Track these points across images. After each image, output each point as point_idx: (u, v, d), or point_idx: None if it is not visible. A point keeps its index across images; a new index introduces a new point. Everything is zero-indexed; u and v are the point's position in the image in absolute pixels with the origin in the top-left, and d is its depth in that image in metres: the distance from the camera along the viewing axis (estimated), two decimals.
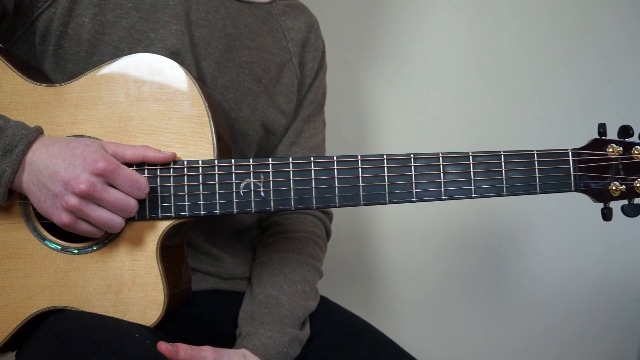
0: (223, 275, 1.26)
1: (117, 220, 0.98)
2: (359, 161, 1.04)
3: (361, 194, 1.04)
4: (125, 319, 1.02)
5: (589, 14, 1.99)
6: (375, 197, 1.04)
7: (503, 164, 1.05)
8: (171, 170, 1.02)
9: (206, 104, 1.04)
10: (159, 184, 1.02)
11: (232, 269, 1.27)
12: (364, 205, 1.04)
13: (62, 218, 0.96)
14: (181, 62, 1.09)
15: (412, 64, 1.94)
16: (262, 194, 1.03)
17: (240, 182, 1.03)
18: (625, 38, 2.01)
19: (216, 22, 1.19)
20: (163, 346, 0.96)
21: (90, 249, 1.03)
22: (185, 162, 1.03)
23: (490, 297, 2.03)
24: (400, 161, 1.04)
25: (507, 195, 1.05)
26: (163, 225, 1.03)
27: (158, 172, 1.02)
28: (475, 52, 1.96)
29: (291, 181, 1.03)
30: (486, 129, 1.97)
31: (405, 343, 1.22)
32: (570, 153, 1.06)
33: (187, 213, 1.02)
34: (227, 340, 1.21)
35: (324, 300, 1.30)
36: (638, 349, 2.12)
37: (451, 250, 1.99)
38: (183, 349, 1.00)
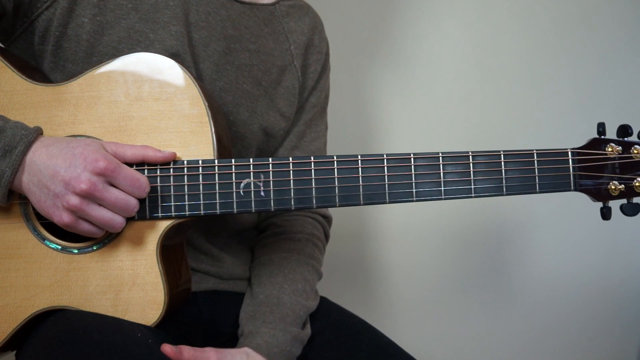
0: (223, 276, 1.26)
1: (118, 220, 0.98)
2: (359, 161, 1.04)
3: (361, 193, 1.04)
4: (125, 318, 1.02)
5: (588, 14, 2.00)
6: (375, 197, 1.04)
7: (503, 163, 1.05)
8: (171, 170, 1.02)
9: (206, 104, 1.04)
10: (159, 184, 1.02)
11: (231, 269, 1.27)
12: (364, 204, 1.05)
13: (63, 218, 0.96)
14: (180, 64, 1.09)
15: (413, 65, 1.94)
16: (262, 193, 1.03)
17: (240, 182, 1.03)
18: (625, 38, 2.01)
19: (216, 23, 1.19)
20: (167, 348, 0.96)
21: (90, 249, 1.03)
22: (185, 162, 1.03)
23: (490, 296, 2.04)
24: (400, 161, 1.04)
25: (507, 194, 1.05)
26: (163, 225, 1.03)
27: (158, 171, 1.02)
28: (476, 52, 1.97)
29: (291, 181, 1.04)
30: (486, 128, 1.97)
31: (404, 343, 1.23)
32: (569, 152, 1.06)
33: (187, 213, 1.02)
34: (227, 340, 1.21)
35: (324, 301, 1.30)
36: (638, 349, 2.13)
37: (451, 250, 1.99)
38: (187, 350, 1.00)
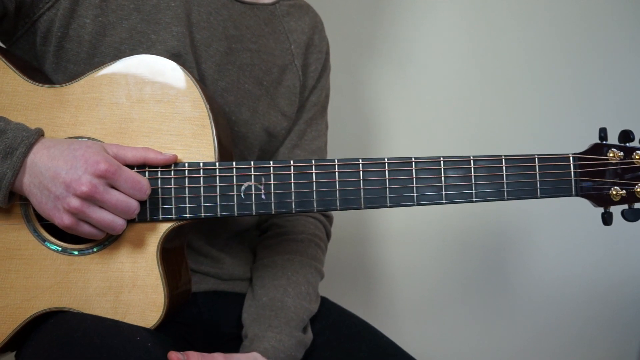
0: (223, 277, 1.26)
1: (118, 222, 0.98)
2: (360, 164, 1.04)
3: (362, 197, 1.04)
4: (125, 320, 1.02)
5: (589, 15, 1.99)
6: (376, 201, 1.04)
7: (504, 168, 1.05)
8: (172, 172, 1.02)
9: (207, 106, 1.04)
10: (159, 186, 1.02)
11: (231, 270, 1.27)
12: (365, 208, 1.05)
13: (63, 220, 0.96)
14: (182, 64, 1.08)
15: (415, 66, 1.94)
16: (263, 196, 1.03)
17: (242, 185, 1.03)
18: (627, 41, 2.01)
19: (217, 24, 1.19)
20: (173, 356, 0.96)
21: (90, 251, 1.03)
22: (186, 165, 1.02)
23: (491, 298, 2.04)
24: (401, 165, 1.04)
25: (508, 199, 1.05)
26: (164, 227, 1.03)
27: (159, 174, 1.02)
28: (478, 55, 1.96)
29: (292, 184, 1.03)
30: (488, 132, 1.97)
31: (405, 344, 1.23)
32: (571, 158, 1.06)
33: (187, 215, 1.02)
34: (227, 340, 1.21)
35: (324, 301, 1.30)
36: (638, 349, 2.13)
37: (451, 252, 1.99)
38: (194, 357, 1.00)
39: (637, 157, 1.05)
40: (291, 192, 1.04)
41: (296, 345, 1.14)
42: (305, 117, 1.34)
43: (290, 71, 1.30)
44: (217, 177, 1.03)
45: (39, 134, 0.99)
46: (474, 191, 1.05)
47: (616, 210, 1.07)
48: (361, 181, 1.04)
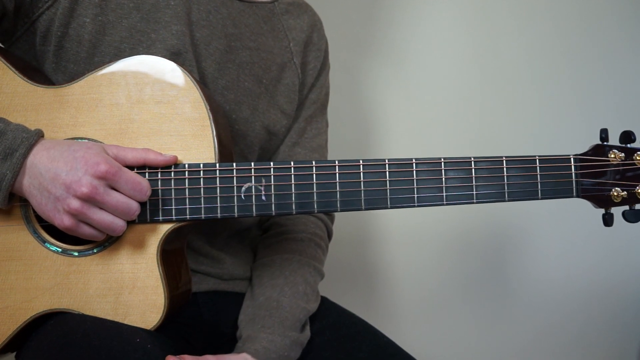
0: (223, 276, 1.26)
1: (119, 223, 0.98)
2: (361, 165, 1.04)
3: (363, 198, 1.03)
4: (125, 322, 1.02)
5: (590, 17, 1.99)
6: (376, 202, 1.04)
7: (505, 169, 1.05)
8: (172, 173, 1.02)
9: (207, 107, 1.04)
10: (160, 187, 1.02)
11: (232, 270, 1.27)
12: (366, 209, 1.04)
13: (63, 221, 0.96)
14: (182, 63, 1.08)
15: (415, 66, 1.94)
16: (263, 197, 1.03)
17: (242, 186, 1.03)
18: (627, 41, 2.01)
19: (217, 22, 1.19)
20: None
21: (90, 252, 1.03)
22: (186, 166, 1.02)
23: (491, 298, 2.04)
24: (402, 166, 1.04)
25: (509, 200, 1.05)
26: (164, 229, 1.03)
27: (159, 175, 1.02)
28: (478, 55, 1.96)
29: (292, 185, 1.03)
30: (488, 132, 1.96)
31: (405, 344, 1.23)
32: (572, 159, 1.06)
33: (188, 216, 1.02)
34: (227, 340, 1.21)
35: (324, 301, 1.30)
36: (638, 349, 2.13)
37: (452, 253, 1.99)
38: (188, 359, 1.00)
39: (638, 158, 1.05)
40: (291, 194, 1.03)
41: (290, 345, 1.14)
42: (304, 115, 1.34)
43: (290, 69, 1.30)
44: (217, 179, 1.02)
45: (39, 135, 0.98)
46: (474, 192, 1.04)
47: (617, 211, 1.07)
48: (361, 182, 1.03)
